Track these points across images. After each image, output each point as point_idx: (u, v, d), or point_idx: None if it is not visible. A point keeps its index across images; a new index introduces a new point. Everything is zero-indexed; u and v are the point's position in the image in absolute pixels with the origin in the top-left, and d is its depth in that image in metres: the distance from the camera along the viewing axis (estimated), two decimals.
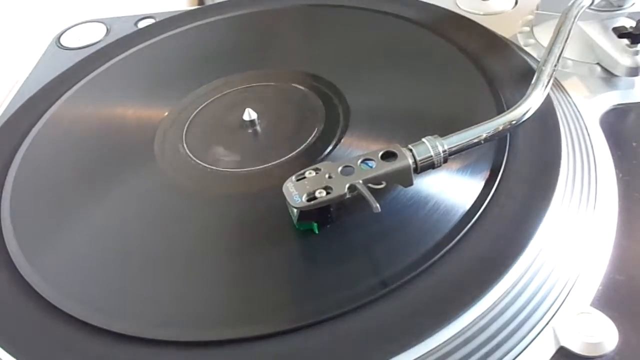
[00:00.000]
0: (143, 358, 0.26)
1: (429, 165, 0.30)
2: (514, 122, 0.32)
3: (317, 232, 0.30)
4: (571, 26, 0.38)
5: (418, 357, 0.25)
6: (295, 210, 0.29)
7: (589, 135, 0.36)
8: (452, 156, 0.31)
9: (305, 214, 0.29)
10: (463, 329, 0.26)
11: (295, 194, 0.29)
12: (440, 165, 0.30)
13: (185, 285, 0.29)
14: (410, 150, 0.30)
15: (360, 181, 0.29)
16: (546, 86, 0.34)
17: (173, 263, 0.31)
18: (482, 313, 0.26)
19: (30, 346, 0.28)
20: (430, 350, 0.25)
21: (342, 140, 0.36)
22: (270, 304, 0.28)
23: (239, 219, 0.33)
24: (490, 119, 0.32)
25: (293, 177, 0.30)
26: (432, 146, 0.30)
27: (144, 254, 0.31)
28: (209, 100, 0.42)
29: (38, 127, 0.42)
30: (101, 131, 0.41)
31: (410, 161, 0.29)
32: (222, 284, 0.30)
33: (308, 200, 0.28)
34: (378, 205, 0.27)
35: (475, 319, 0.26)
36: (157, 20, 0.54)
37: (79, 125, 0.42)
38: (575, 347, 0.26)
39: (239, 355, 0.26)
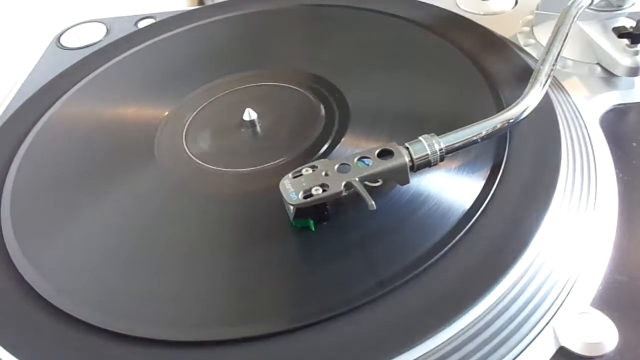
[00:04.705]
0: (142, 358, 0.26)
1: (426, 164, 0.30)
2: (511, 121, 0.32)
3: (313, 229, 0.30)
4: (570, 26, 0.38)
5: (418, 358, 0.25)
6: (291, 207, 0.29)
7: (589, 135, 0.36)
8: (451, 155, 0.31)
9: (301, 211, 0.29)
10: (463, 329, 0.26)
11: (292, 191, 0.29)
12: (436, 164, 0.30)
13: (184, 285, 0.29)
14: (407, 148, 0.30)
15: (357, 179, 0.29)
16: (544, 85, 0.34)
17: (173, 262, 0.31)
18: (482, 313, 0.26)
19: (30, 346, 0.28)
20: (430, 350, 0.25)
21: (342, 140, 0.36)
22: (270, 303, 0.28)
23: (238, 218, 0.33)
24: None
25: (290, 175, 0.30)
26: (428, 144, 0.30)
27: (144, 254, 0.31)
28: (209, 100, 0.42)
29: (38, 127, 0.42)
30: (101, 131, 0.41)
31: (407, 159, 0.29)
32: (221, 284, 0.30)
33: (304, 198, 0.28)
34: (374, 202, 0.27)
35: (475, 319, 0.26)
36: (157, 20, 0.54)
37: (79, 125, 0.42)
38: (575, 347, 0.26)
39: (239, 355, 0.26)
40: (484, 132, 0.31)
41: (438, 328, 0.25)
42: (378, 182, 0.31)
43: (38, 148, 0.40)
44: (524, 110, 0.32)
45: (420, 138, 0.30)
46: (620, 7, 0.42)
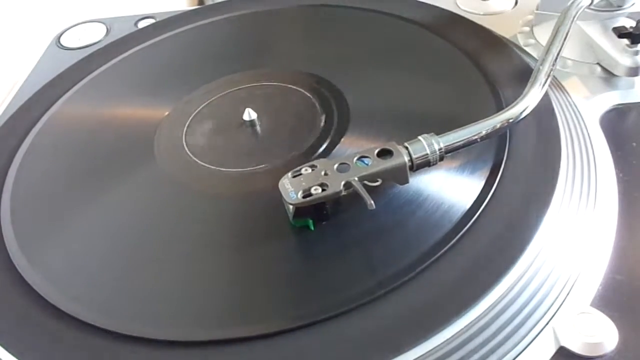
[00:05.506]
0: (143, 358, 0.26)
1: (425, 163, 0.30)
2: (511, 121, 0.32)
3: (312, 228, 0.30)
4: (570, 26, 0.38)
5: (418, 357, 0.25)
6: (290, 206, 0.29)
7: (589, 135, 0.36)
8: (450, 154, 0.31)
9: (300, 210, 0.29)
10: (463, 329, 0.26)
11: (291, 190, 0.29)
12: (436, 163, 0.30)
13: (184, 285, 0.29)
14: (406, 148, 0.30)
15: (356, 178, 0.29)
16: (544, 85, 0.34)
17: (172, 262, 0.31)
18: (482, 313, 0.26)
19: (30, 346, 0.28)
20: (430, 350, 0.25)
21: (342, 140, 0.36)
22: (269, 303, 0.28)
23: (238, 218, 0.33)
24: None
25: (289, 174, 0.30)
26: (428, 144, 0.30)
27: (144, 254, 0.31)
28: (209, 100, 0.42)
29: (38, 127, 0.42)
30: (101, 131, 0.41)
31: (406, 159, 0.29)
32: (220, 283, 0.30)
33: (304, 197, 0.28)
34: (373, 202, 0.27)
35: (475, 319, 0.26)
36: (157, 20, 0.54)
37: (79, 125, 0.42)
38: (575, 347, 0.26)
39: (239, 355, 0.26)
40: (483, 132, 0.31)
41: (438, 328, 0.25)
42: (377, 181, 0.31)
43: (38, 148, 0.40)
44: (524, 110, 0.32)
45: (419, 138, 0.30)
46: (620, 7, 0.42)
